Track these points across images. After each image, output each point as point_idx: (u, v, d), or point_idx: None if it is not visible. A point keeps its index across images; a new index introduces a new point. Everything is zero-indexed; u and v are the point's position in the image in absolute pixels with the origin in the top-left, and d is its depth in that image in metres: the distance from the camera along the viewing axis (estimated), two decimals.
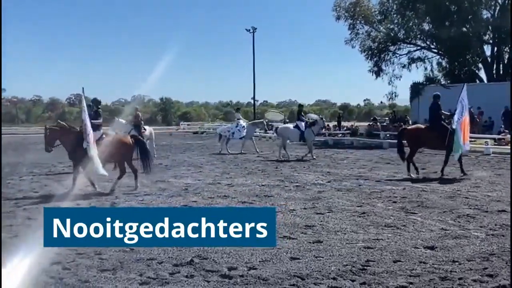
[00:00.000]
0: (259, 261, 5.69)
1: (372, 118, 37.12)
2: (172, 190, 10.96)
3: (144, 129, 18.50)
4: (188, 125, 59.94)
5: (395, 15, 36.41)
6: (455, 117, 13.19)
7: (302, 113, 19.98)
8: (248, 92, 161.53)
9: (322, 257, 5.84)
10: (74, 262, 5.68)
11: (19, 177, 13.34)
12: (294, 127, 19.57)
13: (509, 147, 18.16)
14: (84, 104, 10.90)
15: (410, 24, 35.35)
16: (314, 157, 18.58)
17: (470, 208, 8.69)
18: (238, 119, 23.27)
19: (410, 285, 4.86)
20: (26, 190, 11.02)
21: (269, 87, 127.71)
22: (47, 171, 14.87)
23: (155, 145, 19.23)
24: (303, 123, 19.28)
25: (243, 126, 22.38)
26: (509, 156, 16.91)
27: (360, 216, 8.12)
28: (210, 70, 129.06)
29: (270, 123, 47.55)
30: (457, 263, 5.55)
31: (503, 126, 25.25)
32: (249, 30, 47.85)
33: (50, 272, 5.31)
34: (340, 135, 32.71)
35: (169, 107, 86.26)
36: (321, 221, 7.80)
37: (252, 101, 56.09)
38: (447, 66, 38.11)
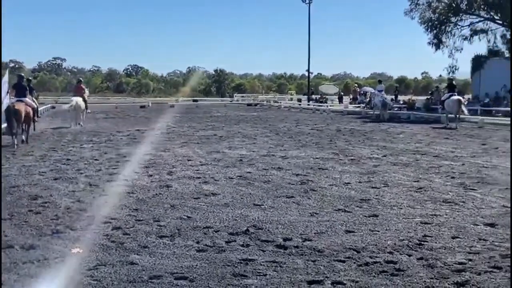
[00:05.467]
0: (314, 233, 5.71)
1: (430, 92, 36.03)
2: (226, 161, 11.09)
3: (85, 99, 21.27)
4: (242, 96, 60.21)
5: None
6: None
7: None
8: (302, 64, 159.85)
9: (378, 231, 5.79)
10: (134, 228, 5.88)
11: (80, 145, 13.83)
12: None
13: None
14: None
15: None
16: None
17: None
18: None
19: (469, 262, 4.75)
20: (87, 158, 11.42)
21: (323, 60, 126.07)
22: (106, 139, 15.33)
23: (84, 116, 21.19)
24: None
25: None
26: None
27: (417, 191, 7.98)
28: (264, 41, 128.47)
29: (324, 96, 47.22)
30: None
31: None
32: (305, 1, 47.03)
33: (111, 237, 5.52)
34: (397, 108, 31.98)
35: (223, 79, 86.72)
36: (377, 195, 7.71)
37: (306, 74, 55.43)
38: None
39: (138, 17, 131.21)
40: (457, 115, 21.77)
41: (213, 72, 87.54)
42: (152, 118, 25.54)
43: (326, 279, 4.39)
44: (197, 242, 5.37)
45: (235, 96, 61.18)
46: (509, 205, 6.97)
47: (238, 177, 9.15)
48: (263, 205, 7.06)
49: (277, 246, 5.26)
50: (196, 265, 4.71)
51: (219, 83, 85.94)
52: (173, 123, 22.42)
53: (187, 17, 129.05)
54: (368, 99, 34.18)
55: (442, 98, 23.62)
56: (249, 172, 9.68)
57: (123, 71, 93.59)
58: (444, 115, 22.67)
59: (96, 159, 11.24)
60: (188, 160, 11.16)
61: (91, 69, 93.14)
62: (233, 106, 44.56)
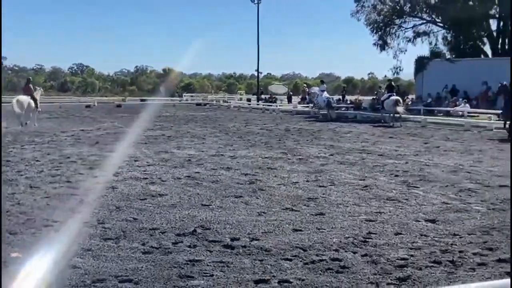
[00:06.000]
0: (262, 232, 5.73)
1: (375, 93, 36.92)
2: (175, 161, 10.98)
3: (34, 99, 20.58)
4: (191, 96, 59.84)
5: None
6: None
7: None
8: (252, 64, 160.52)
9: (324, 229, 5.87)
10: (77, 231, 5.72)
11: (21, 146, 13.35)
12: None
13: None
14: None
15: None
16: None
17: (472, 183, 8.70)
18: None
19: (411, 258, 4.89)
20: (28, 159, 11.04)
21: (273, 60, 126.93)
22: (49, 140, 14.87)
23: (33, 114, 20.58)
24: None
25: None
26: None
27: (362, 190, 8.14)
28: (213, 41, 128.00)
29: (273, 96, 47.55)
30: (457, 236, 5.58)
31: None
32: (254, 1, 47.18)
33: (52, 240, 5.35)
34: (344, 108, 32.58)
35: (172, 78, 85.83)
36: (324, 194, 7.82)
37: (255, 73, 55.67)
38: (452, 40, 37.74)
39: (82, 14, 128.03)
40: (396, 115, 22.77)
41: (162, 72, 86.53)
42: (97, 118, 25.01)
43: (273, 278, 4.42)
44: (143, 244, 5.28)
45: (184, 95, 60.69)
46: (449, 202, 7.23)
47: (186, 177, 9.07)
48: (211, 205, 7.02)
49: (225, 246, 5.24)
50: (142, 267, 4.63)
51: (168, 82, 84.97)
52: (120, 123, 22.00)
53: (135, 15, 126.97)
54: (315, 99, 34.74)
55: (382, 99, 24.78)
56: (198, 172, 9.61)
57: (67, 70, 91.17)
58: (387, 114, 23.53)
59: (37, 160, 10.88)
60: (135, 161, 10.97)
61: (34, 68, 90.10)
62: (182, 105, 44.19)
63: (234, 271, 4.56)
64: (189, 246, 5.24)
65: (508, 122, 17.49)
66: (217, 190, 7.99)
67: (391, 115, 22.97)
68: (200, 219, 6.26)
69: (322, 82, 31.69)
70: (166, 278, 4.41)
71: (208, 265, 4.70)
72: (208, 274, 4.49)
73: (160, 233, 5.68)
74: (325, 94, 27.93)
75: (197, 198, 7.45)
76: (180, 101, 52.35)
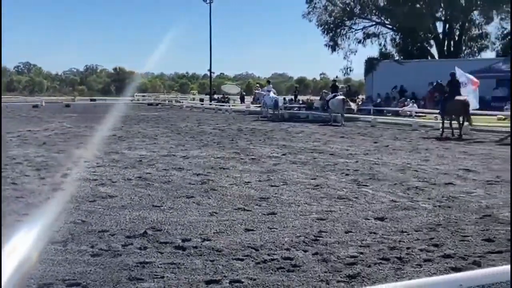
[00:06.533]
0: (214, 233, 5.70)
1: (321, 93, 37.32)
2: (125, 162, 10.79)
3: None
4: (143, 96, 59.05)
5: None
6: None
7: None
8: (204, 64, 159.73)
9: (276, 229, 5.90)
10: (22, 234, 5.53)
11: None
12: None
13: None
14: None
15: None
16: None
17: (419, 181, 8.94)
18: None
19: (361, 255, 4.98)
20: None
21: (226, 60, 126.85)
22: None
23: None
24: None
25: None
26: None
27: (314, 189, 8.23)
28: (165, 40, 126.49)
29: (226, 96, 47.53)
30: (405, 233, 5.72)
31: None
32: (206, 0, 47.00)
33: None
34: (296, 108, 32.92)
35: (123, 78, 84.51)
36: (276, 193, 7.86)
37: (208, 73, 55.46)
38: (401, 42, 38.81)
39: (28, 11, 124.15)
40: (342, 114, 23.77)
41: (113, 71, 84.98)
42: (45, 118, 24.33)
43: (224, 278, 4.40)
44: (92, 247, 5.16)
45: (136, 95, 59.80)
46: (397, 200, 7.41)
47: (137, 178, 8.93)
48: (162, 206, 6.94)
49: (176, 248, 5.18)
50: (90, 271, 4.52)
51: (119, 82, 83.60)
52: (68, 123, 21.47)
53: (84, 14, 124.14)
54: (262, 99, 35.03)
55: (327, 98, 25.62)
56: (149, 173, 9.48)
57: (13, 69, 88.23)
58: (334, 114, 24.43)
59: None
60: (84, 162, 10.72)
61: None
62: (133, 105, 43.51)
63: (185, 272, 4.52)
64: (139, 248, 5.15)
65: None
66: (169, 191, 7.91)
67: (339, 114, 23.82)
68: (151, 221, 6.18)
69: (269, 82, 32.37)
70: (116, 281, 4.32)
71: (158, 267, 4.64)
72: (159, 276, 4.42)
73: (110, 235, 5.56)
74: (272, 94, 28.57)
75: (148, 199, 7.34)
76: (131, 101, 51.56)
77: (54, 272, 4.47)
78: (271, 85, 30.65)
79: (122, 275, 4.45)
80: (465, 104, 17.29)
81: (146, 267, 4.63)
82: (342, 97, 24.45)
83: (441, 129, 17.84)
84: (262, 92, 30.34)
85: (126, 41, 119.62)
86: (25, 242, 4.70)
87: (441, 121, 18.26)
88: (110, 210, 6.67)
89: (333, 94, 24.94)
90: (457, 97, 17.39)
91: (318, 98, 39.55)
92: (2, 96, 52.17)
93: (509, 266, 3.84)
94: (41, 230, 5.28)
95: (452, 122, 17.61)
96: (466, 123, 17.40)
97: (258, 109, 34.10)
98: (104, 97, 61.02)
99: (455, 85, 17.79)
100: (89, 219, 6.21)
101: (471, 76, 19.64)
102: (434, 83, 19.15)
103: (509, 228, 5.83)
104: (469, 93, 18.66)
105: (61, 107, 36.12)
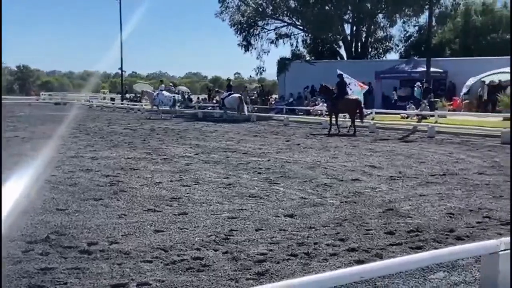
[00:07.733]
0: (122, 235, 5.54)
1: (216, 91, 37.21)
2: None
3: None
4: (49, 95, 56.49)
5: None
6: None
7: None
8: (115, 62, 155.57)
9: (187, 229, 5.83)
10: None
11: None
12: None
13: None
14: None
15: (278, 0, 36.26)
16: None
17: (328, 178, 9.22)
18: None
19: (270, 252, 5.03)
20: None
21: (138, 58, 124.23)
22: None
23: None
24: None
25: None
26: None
27: (226, 188, 8.24)
28: (75, 37, 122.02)
29: (139, 95, 46.51)
30: (313, 229, 5.87)
31: None
32: None
33: None
34: (210, 108, 32.88)
35: (28, 76, 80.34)
36: (188, 193, 7.78)
37: (120, 72, 54.05)
38: (311, 43, 39.90)
39: None
40: (242, 113, 25.13)
41: (16, 69, 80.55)
42: None
43: (131, 281, 4.28)
44: None
45: (42, 94, 57.08)
46: (306, 197, 7.59)
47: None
48: (67, 209, 6.64)
49: (81, 252, 4.98)
50: None
51: (22, 80, 79.36)
52: None
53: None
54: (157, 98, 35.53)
55: (222, 97, 26.90)
56: (54, 175, 9.05)
57: None
58: (229, 112, 26.03)
59: None
60: None
61: None
62: (39, 105, 41.49)
63: (91, 277, 4.35)
64: (41, 254, 4.89)
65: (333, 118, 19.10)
66: (75, 193, 7.59)
67: (234, 111, 25.46)
68: (55, 225, 5.89)
69: (162, 82, 34.98)
70: None
71: (61, 273, 4.43)
72: (62, 282, 4.23)
73: (9, 242, 5.23)
74: (166, 93, 29.46)
75: (52, 202, 7.01)
76: (37, 100, 49.16)
77: None
78: (163, 85, 32.14)
79: (22, 283, 4.22)
80: (358, 102, 19.00)
81: (48, 273, 4.42)
82: (238, 95, 25.95)
83: (329, 126, 19.08)
84: (152, 92, 32.26)
85: (32, 38, 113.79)
86: None
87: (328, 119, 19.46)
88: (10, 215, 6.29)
89: (228, 92, 26.29)
90: (349, 96, 19.04)
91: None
92: None
93: (403, 258, 4.05)
94: None
95: (338, 120, 19.10)
96: (357, 120, 18.70)
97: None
98: (6, 96, 57.61)
99: (343, 86, 19.31)
100: None
101: (354, 80, 21.56)
102: (310, 87, 21.02)
103: (409, 221, 6.16)
104: (356, 93, 20.46)
105: None
